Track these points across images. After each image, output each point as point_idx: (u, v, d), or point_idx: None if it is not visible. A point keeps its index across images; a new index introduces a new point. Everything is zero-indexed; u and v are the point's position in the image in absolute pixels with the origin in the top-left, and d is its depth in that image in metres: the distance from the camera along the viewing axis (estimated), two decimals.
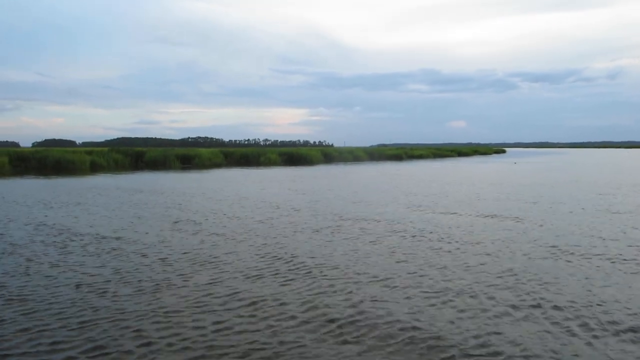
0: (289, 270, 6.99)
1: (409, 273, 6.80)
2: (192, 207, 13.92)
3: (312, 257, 7.71)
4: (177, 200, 15.35)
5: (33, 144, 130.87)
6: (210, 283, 6.36)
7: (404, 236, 9.50)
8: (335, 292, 5.97)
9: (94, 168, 34.41)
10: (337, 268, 7.07)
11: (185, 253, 8.07)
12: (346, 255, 7.91)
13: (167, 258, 7.72)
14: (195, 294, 5.89)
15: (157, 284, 6.30)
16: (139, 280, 6.47)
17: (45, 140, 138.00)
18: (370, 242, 8.96)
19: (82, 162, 34.26)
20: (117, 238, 9.32)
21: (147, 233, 9.85)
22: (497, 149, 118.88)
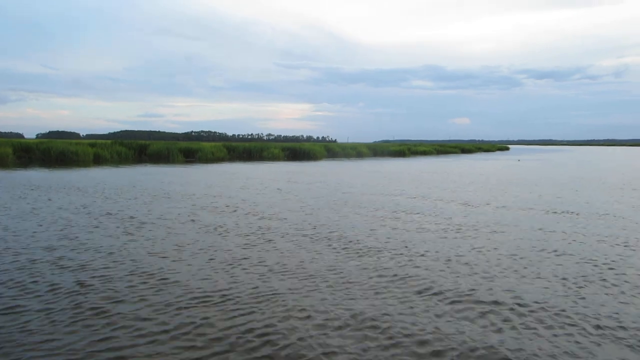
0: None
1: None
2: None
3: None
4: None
5: (37, 135, 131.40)
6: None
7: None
8: None
9: (98, 160, 34.52)
10: None
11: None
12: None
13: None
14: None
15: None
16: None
17: (50, 132, 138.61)
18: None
19: (86, 154, 34.41)
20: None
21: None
22: (500, 146, 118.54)
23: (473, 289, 6.02)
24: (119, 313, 5.12)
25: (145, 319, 4.96)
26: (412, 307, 5.36)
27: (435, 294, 5.84)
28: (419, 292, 5.89)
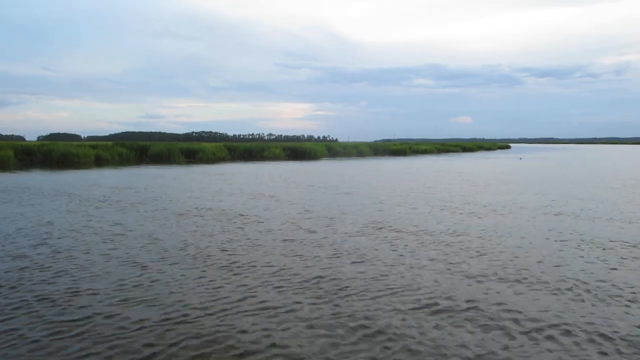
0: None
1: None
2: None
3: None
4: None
5: (38, 137, 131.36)
6: None
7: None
8: None
9: (99, 162, 34.53)
10: None
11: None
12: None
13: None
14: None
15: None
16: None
17: (51, 134, 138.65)
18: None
19: (87, 156, 34.43)
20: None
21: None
22: (501, 145, 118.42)
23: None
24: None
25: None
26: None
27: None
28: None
